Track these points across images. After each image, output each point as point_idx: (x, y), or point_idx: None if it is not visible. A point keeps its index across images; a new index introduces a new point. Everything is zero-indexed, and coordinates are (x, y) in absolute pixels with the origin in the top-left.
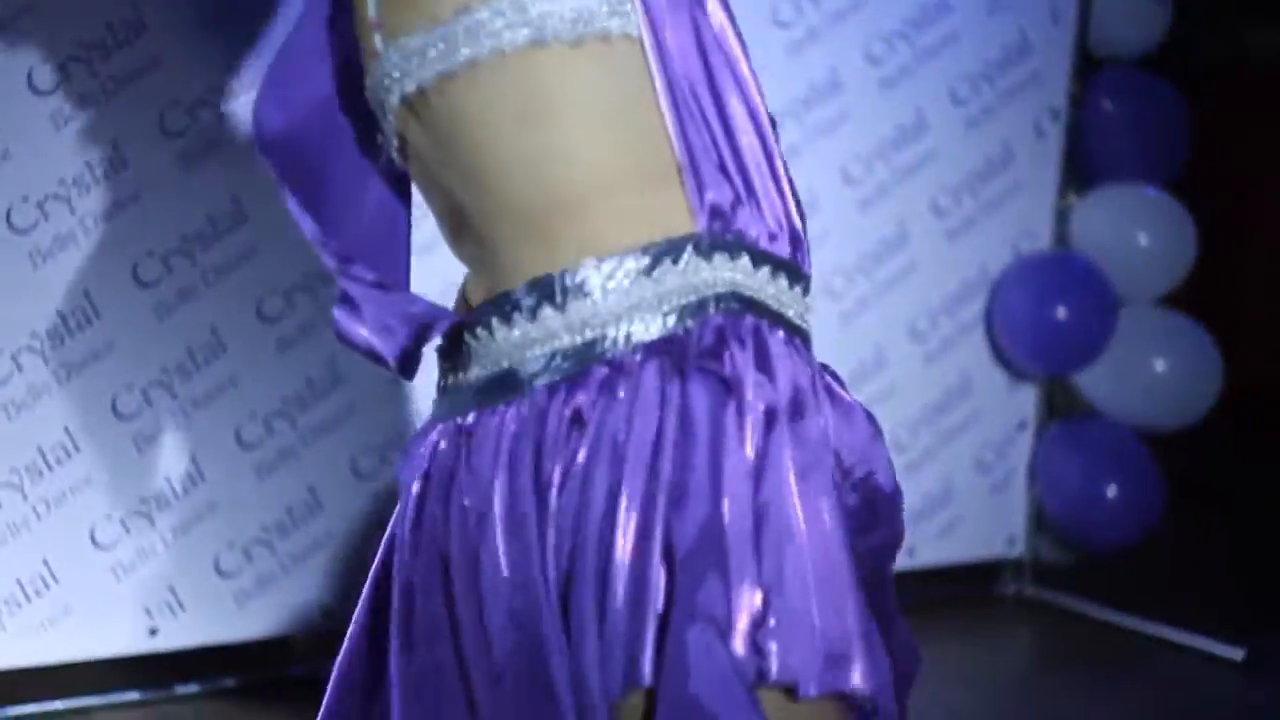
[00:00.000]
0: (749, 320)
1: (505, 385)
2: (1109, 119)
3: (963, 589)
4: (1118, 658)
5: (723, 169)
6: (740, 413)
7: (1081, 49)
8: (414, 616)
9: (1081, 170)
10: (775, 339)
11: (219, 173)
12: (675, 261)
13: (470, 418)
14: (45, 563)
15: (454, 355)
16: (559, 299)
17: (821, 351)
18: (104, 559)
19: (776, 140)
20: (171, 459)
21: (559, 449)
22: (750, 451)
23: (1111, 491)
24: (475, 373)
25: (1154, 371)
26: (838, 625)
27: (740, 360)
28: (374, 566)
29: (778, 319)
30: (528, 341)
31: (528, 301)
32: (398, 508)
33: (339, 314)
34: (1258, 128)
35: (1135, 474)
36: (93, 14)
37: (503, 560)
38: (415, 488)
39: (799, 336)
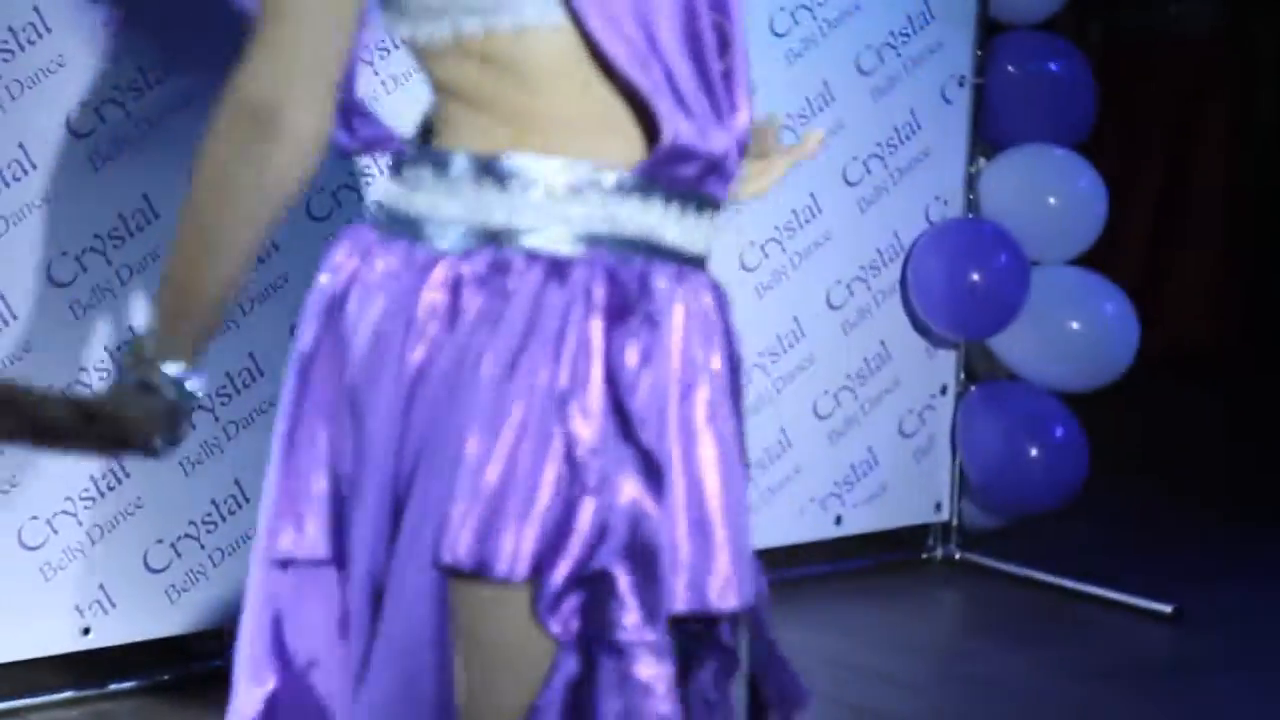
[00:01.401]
0: (640, 265)
1: (409, 226)
2: (1014, 82)
3: (890, 555)
4: (1047, 617)
5: (681, 103)
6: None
7: (984, 14)
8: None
9: (990, 136)
10: (664, 281)
11: (129, 171)
12: (599, 191)
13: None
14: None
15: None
16: (502, 179)
17: (739, 324)
18: (33, 559)
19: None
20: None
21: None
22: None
23: (1034, 453)
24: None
25: (1070, 331)
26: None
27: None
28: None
29: (678, 258)
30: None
31: (466, 166)
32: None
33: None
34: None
35: (1057, 436)
36: None
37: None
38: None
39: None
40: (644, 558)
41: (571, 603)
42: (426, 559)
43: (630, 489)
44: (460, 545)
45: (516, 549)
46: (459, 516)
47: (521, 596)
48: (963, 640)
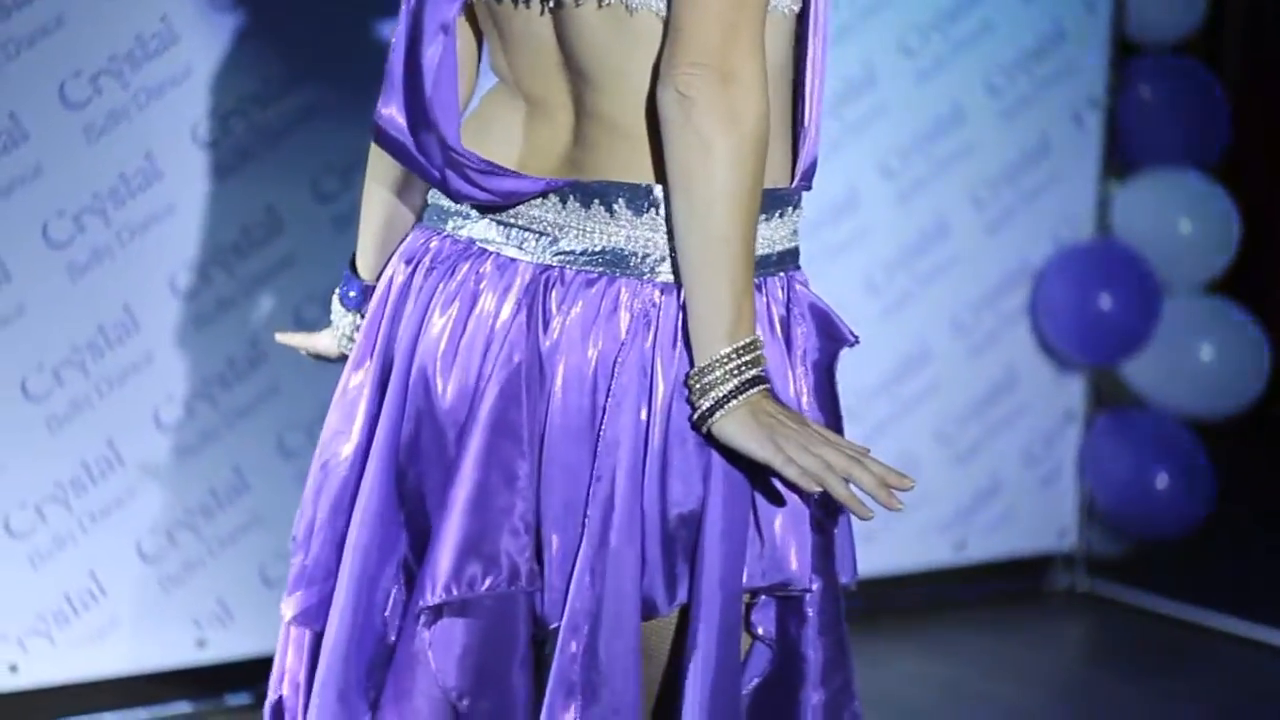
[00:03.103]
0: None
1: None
2: (1147, 106)
3: (1014, 583)
4: (1175, 650)
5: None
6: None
7: (1118, 36)
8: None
9: (1121, 158)
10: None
11: (253, 183)
12: (781, 216)
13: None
14: (93, 575)
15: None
16: (645, 207)
17: (864, 347)
18: (151, 571)
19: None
20: (214, 470)
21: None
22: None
23: (1161, 481)
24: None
25: (1200, 359)
26: None
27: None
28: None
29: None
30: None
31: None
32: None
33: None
34: None
35: (1185, 463)
36: None
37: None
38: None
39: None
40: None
41: (774, 608)
42: (735, 588)
43: None
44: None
45: (803, 567)
46: (770, 542)
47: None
48: (1085, 671)
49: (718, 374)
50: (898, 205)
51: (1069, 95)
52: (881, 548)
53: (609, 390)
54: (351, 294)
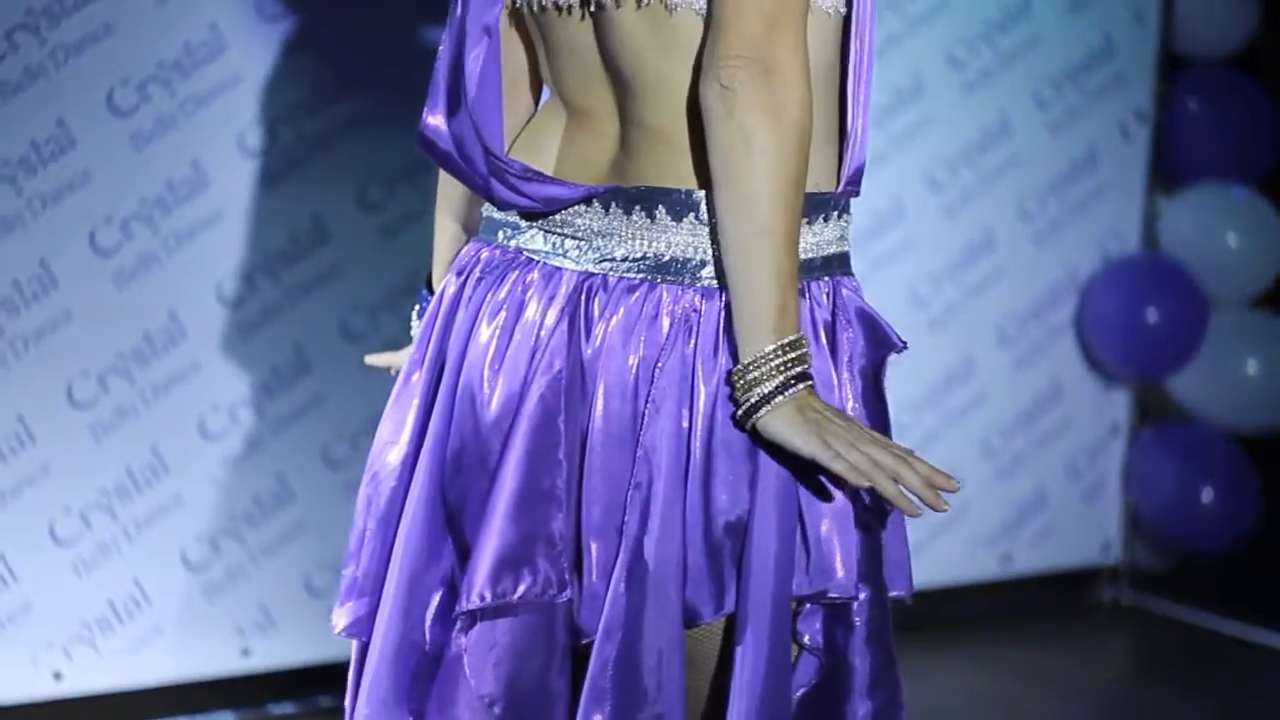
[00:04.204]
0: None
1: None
2: (1195, 119)
3: (1059, 596)
4: (1220, 665)
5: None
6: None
7: (1166, 49)
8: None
9: (1168, 171)
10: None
11: (301, 191)
12: (825, 220)
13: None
14: (137, 583)
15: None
16: (685, 212)
17: (910, 359)
18: (195, 579)
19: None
20: (258, 479)
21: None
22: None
23: (1206, 495)
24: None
25: (1246, 373)
26: None
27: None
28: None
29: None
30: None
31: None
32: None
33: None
34: None
35: (1230, 477)
36: None
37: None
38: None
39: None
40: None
41: (821, 617)
42: (784, 597)
43: None
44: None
45: (849, 575)
46: (816, 550)
47: None
48: (1129, 685)
49: (763, 370)
50: (944, 217)
51: (1116, 108)
52: (927, 561)
53: (648, 396)
54: (420, 306)
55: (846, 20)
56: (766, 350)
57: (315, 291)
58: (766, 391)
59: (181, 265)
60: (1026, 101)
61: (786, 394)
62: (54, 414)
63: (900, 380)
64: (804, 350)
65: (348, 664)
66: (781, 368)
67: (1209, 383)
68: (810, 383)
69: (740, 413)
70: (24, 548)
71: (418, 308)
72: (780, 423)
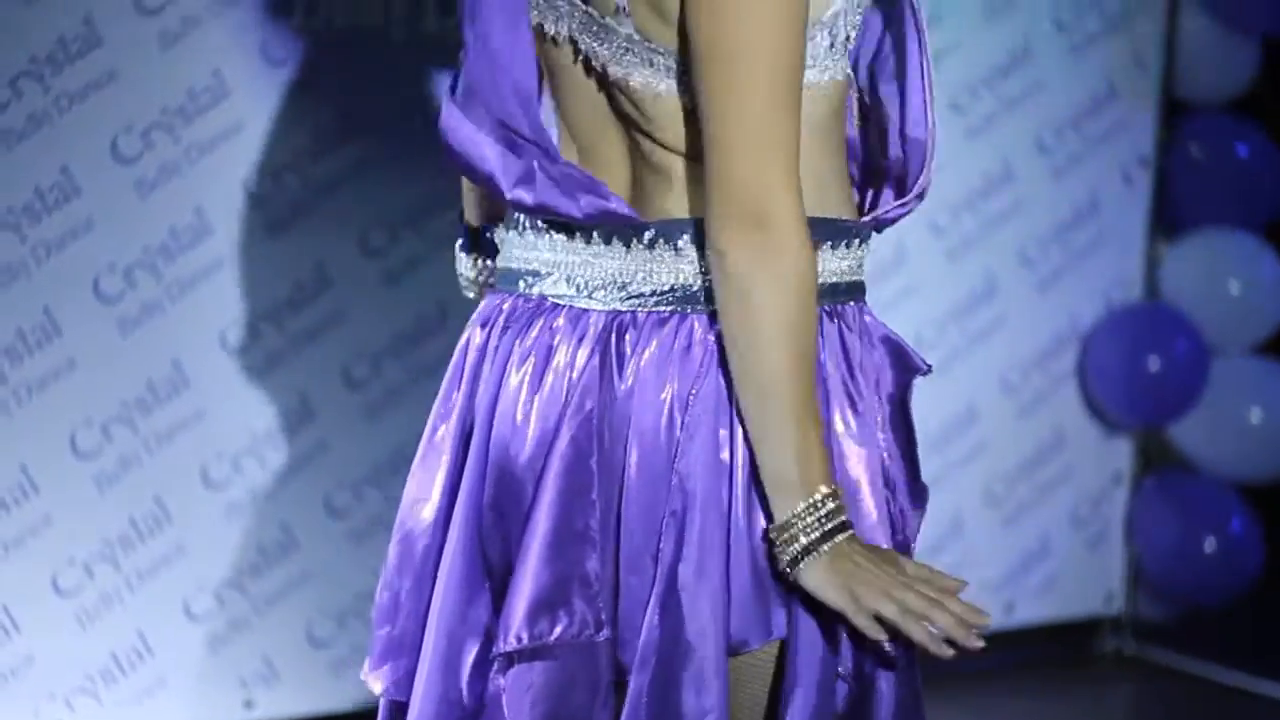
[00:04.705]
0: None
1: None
2: (1197, 165)
3: (1061, 647)
4: (1223, 716)
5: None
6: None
7: (1167, 94)
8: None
9: (1170, 218)
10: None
11: (305, 238)
12: (835, 247)
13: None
14: (140, 635)
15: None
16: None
17: (913, 404)
18: (198, 630)
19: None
20: (261, 529)
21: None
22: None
23: (1210, 545)
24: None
25: (1249, 422)
26: None
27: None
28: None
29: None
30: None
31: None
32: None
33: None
34: None
35: (1233, 526)
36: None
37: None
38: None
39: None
40: None
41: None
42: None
43: None
44: None
45: None
46: None
47: None
48: None
49: (796, 529)
50: (946, 263)
51: (1119, 154)
52: None
53: (683, 424)
54: (460, 240)
55: (858, 68)
56: (799, 509)
57: (319, 338)
58: (800, 549)
59: (185, 313)
60: (1029, 147)
61: (824, 547)
62: (57, 463)
63: None
64: (839, 503)
65: (351, 715)
66: (815, 525)
67: (1212, 431)
68: (850, 532)
69: (781, 565)
70: (26, 599)
71: (460, 241)
72: (814, 579)
